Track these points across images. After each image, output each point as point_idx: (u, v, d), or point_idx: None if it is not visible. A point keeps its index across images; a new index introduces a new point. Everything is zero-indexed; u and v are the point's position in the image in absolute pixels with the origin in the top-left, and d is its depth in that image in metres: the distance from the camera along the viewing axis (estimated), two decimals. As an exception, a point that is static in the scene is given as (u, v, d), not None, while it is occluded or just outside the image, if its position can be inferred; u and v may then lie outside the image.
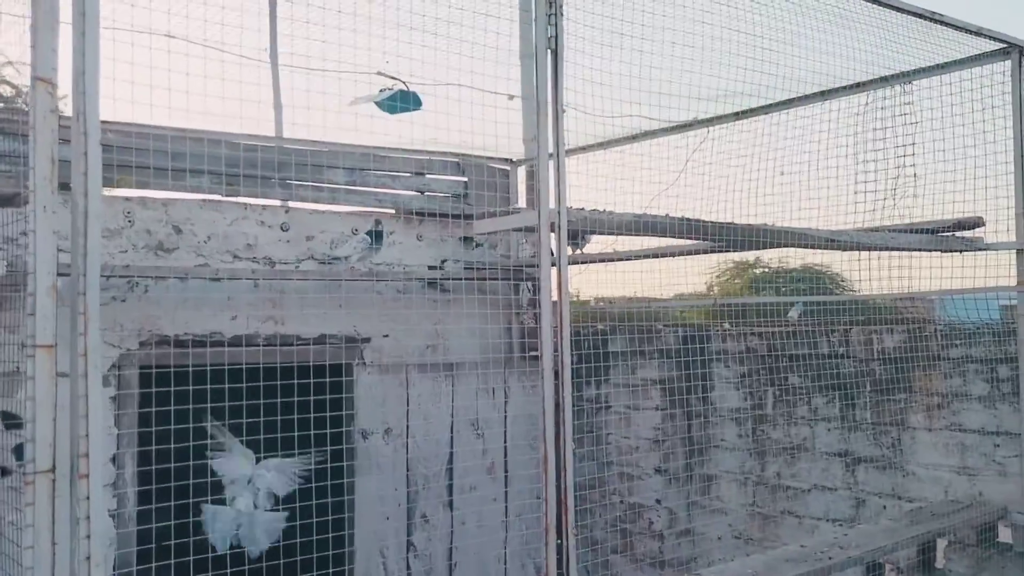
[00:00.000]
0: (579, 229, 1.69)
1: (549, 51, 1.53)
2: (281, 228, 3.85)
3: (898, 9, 2.43)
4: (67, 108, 1.29)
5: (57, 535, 1.14)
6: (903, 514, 2.75)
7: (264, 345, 3.69)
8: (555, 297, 1.52)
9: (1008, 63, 2.82)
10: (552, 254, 1.53)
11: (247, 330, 3.73)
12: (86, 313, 1.13)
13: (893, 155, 3.05)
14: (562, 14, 1.55)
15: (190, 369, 2.93)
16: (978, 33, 2.65)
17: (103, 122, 3.06)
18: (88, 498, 1.13)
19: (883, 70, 2.99)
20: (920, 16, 2.50)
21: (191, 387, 2.89)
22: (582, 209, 1.67)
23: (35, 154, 1.13)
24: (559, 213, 1.49)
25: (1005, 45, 2.77)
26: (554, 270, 1.53)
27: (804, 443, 3.26)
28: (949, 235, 2.73)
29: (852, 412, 3.12)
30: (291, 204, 3.89)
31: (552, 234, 1.50)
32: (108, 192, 3.41)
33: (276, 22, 4.15)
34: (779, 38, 2.57)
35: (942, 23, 2.54)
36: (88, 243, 1.14)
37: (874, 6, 2.39)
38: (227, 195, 3.69)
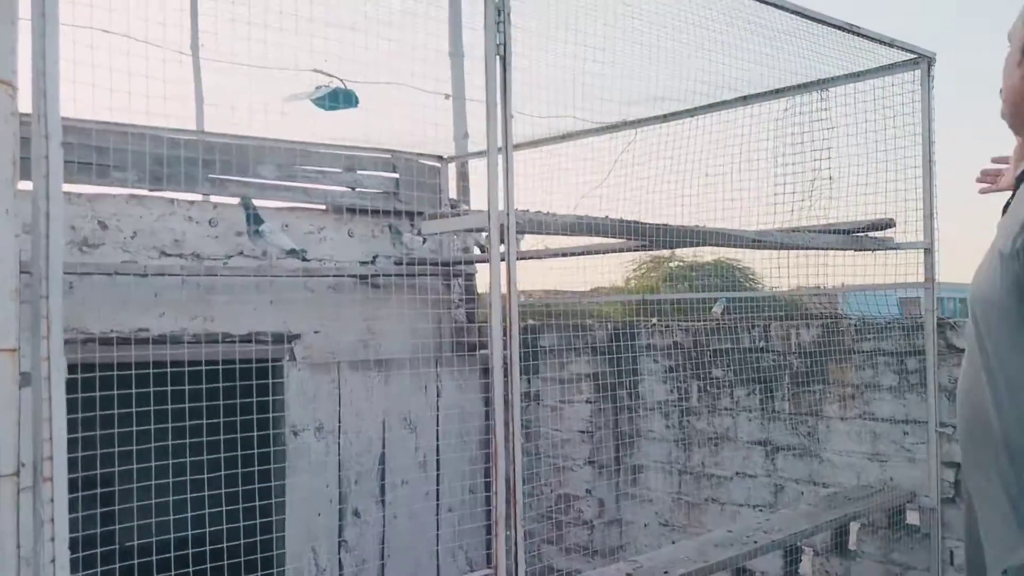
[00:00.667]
0: (524, 230, 1.74)
1: (498, 57, 1.58)
2: (209, 224, 3.80)
3: (819, 21, 2.56)
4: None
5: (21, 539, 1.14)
6: (819, 499, 2.90)
7: (192, 342, 3.64)
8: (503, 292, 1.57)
9: (918, 72, 3.00)
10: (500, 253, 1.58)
11: (175, 327, 3.68)
12: (48, 316, 1.14)
13: (810, 158, 3.21)
14: (510, 22, 1.61)
15: (114, 367, 2.88)
16: (891, 44, 2.81)
17: (23, 115, 2.99)
18: (52, 500, 1.14)
19: (802, 78, 3.14)
20: (839, 28, 2.64)
21: (115, 387, 2.84)
22: (527, 211, 1.73)
23: (-8, 156, 1.13)
24: (507, 215, 1.55)
25: (915, 56, 2.94)
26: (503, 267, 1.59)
27: (727, 433, 3.40)
28: (863, 235, 2.89)
29: (771, 403, 3.27)
30: (220, 199, 3.85)
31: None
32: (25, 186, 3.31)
33: (197, 18, 4.08)
34: (705, 46, 2.68)
35: (858, 34, 2.69)
36: (50, 246, 1.14)
37: (797, 17, 2.51)
38: (152, 191, 3.62)
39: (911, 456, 2.79)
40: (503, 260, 1.58)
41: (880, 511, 2.89)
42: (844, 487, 3.03)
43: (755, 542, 2.37)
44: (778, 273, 3.49)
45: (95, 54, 2.78)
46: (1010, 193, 1.78)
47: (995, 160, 1.93)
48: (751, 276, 6.05)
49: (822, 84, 3.17)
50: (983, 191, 1.91)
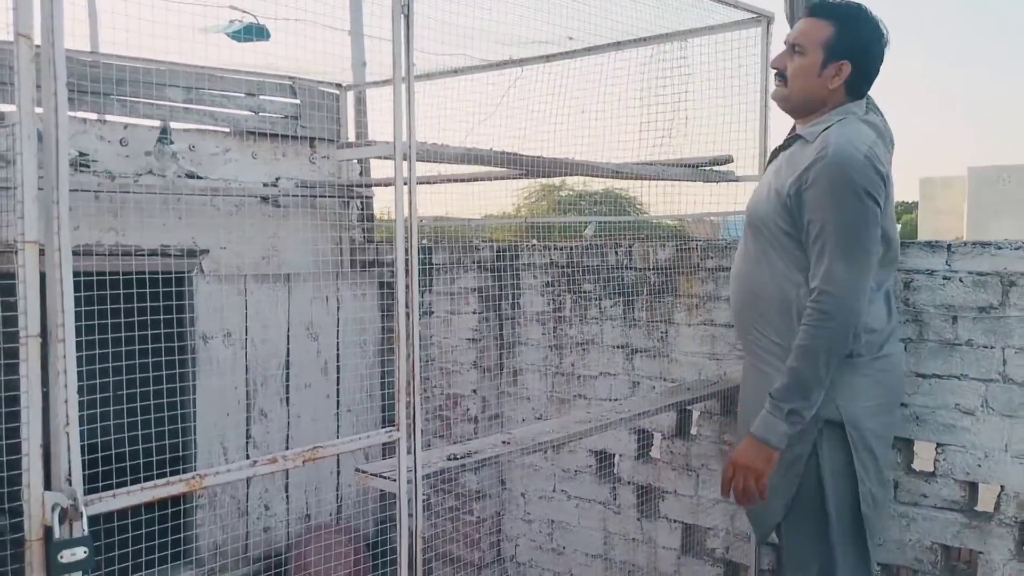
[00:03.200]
0: (422, 159, 2.14)
1: (403, 16, 1.96)
2: (120, 143, 4.01)
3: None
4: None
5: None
6: (665, 390, 3.47)
7: (107, 255, 3.89)
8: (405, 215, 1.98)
9: (759, 29, 3.51)
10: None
11: (88, 240, 3.90)
12: (59, 217, 1.49)
13: (670, 101, 3.70)
14: (413, -14, 1.98)
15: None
16: (735, 5, 3.30)
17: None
18: (64, 356, 1.51)
19: (665, 30, 3.61)
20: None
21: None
22: (425, 143, 2.13)
23: (20, 95, 1.46)
24: (410, 146, 1.95)
25: (757, 15, 3.44)
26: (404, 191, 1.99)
27: (594, 339, 3.93)
28: (708, 169, 3.42)
29: (632, 312, 3.80)
30: (130, 120, 4.05)
31: (404, 162, 1.96)
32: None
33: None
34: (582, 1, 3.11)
35: (709, -3, 3.17)
36: (59, 163, 1.49)
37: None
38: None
39: (741, 355, 3.36)
40: (405, 184, 1.98)
41: (715, 399, 3.47)
42: (686, 381, 3.60)
43: (608, 420, 2.90)
44: (649, 201, 4.05)
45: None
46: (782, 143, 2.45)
47: None
48: (638, 205, 6.65)
49: (682, 35, 3.65)
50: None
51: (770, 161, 2.62)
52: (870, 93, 2.51)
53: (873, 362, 2.43)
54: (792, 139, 2.49)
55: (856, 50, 2.36)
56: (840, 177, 2.20)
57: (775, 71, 2.51)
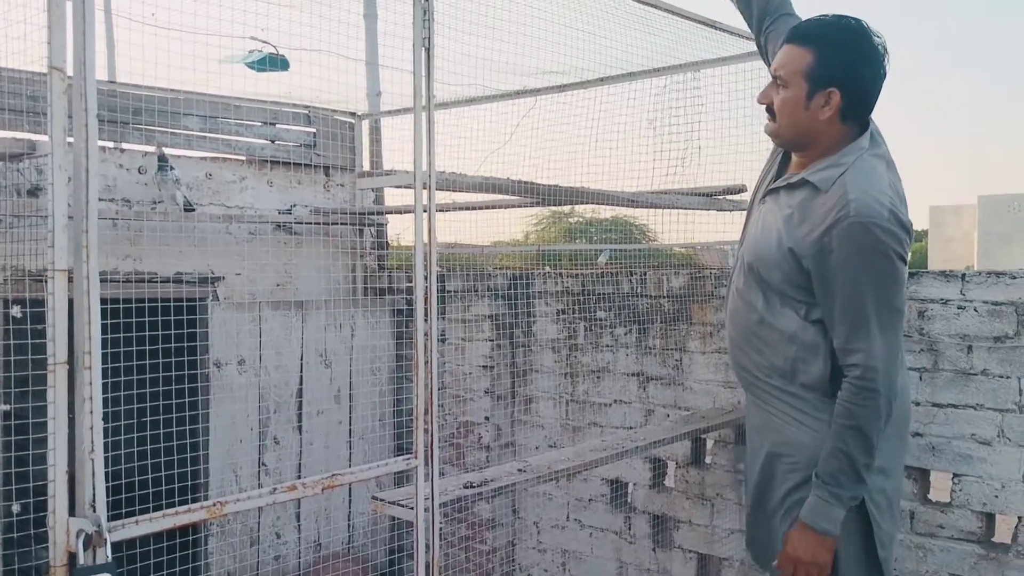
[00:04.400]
0: (441, 187, 2.16)
1: (424, 49, 1.99)
2: (139, 171, 4.06)
3: (688, 18, 3.06)
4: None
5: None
6: (680, 418, 3.47)
7: (123, 281, 3.92)
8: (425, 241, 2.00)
9: (771, 60, 3.53)
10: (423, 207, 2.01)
11: (105, 266, 3.94)
12: (87, 246, 1.51)
13: (683, 130, 3.72)
14: (434, 19, 2.02)
15: (48, 303, 3.16)
16: (748, 37, 3.33)
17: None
18: (91, 383, 1.52)
19: (677, 61, 3.64)
20: (707, 25, 3.14)
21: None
22: (444, 172, 2.16)
23: (52, 125, 1.49)
24: (430, 175, 1.97)
25: (769, 46, 3.47)
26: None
27: (607, 366, 3.93)
28: (721, 198, 3.43)
29: (645, 340, 3.81)
30: (148, 148, 4.10)
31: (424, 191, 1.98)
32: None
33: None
34: (594, 33, 3.15)
35: (723, 30, 3.20)
36: (89, 193, 1.51)
37: (672, 16, 3.01)
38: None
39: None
40: (425, 212, 2.01)
41: (730, 428, 3.47)
42: (701, 409, 3.60)
43: (624, 448, 2.89)
44: (661, 229, 4.08)
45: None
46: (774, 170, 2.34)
47: None
48: (647, 232, 6.68)
49: (694, 66, 3.68)
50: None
51: (765, 194, 2.37)
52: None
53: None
54: (799, 182, 2.22)
55: (843, 75, 2.11)
56: (868, 241, 2.02)
57: (764, 106, 2.29)
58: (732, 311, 2.44)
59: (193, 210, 4.12)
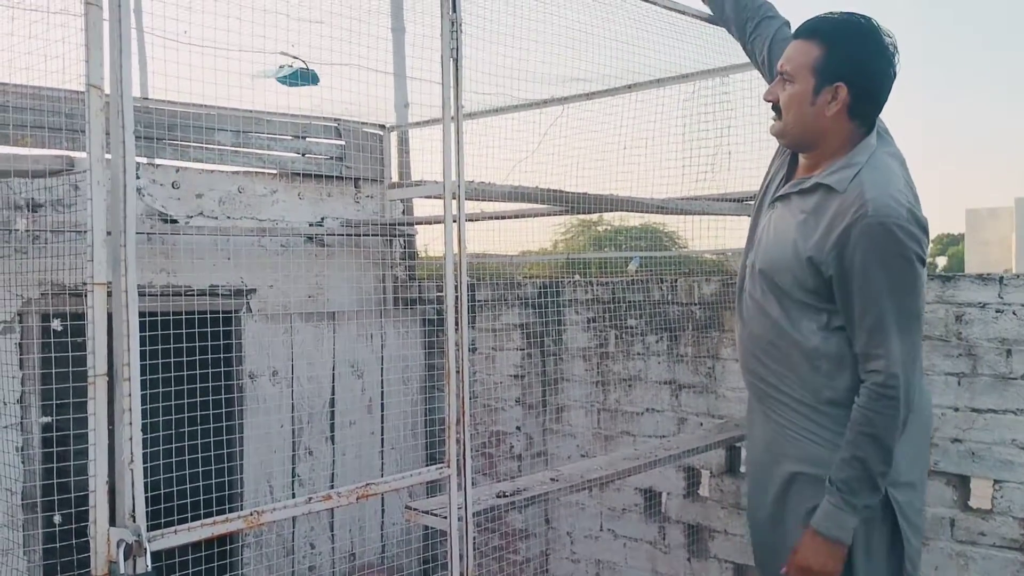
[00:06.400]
0: (470, 197, 2.17)
1: (452, 60, 2.00)
2: (172, 186, 4.12)
3: (716, 24, 3.05)
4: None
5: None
6: (713, 426, 3.44)
7: (159, 295, 3.98)
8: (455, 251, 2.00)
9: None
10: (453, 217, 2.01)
11: (141, 280, 3.99)
12: (126, 260, 1.53)
13: (713, 135, 3.71)
14: (462, 30, 2.03)
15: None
16: (776, 42, 3.31)
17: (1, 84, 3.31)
18: (130, 395, 1.55)
19: (705, 66, 3.63)
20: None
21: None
22: (472, 181, 2.17)
23: (90, 142, 1.52)
24: (459, 185, 1.98)
25: (799, 50, 3.45)
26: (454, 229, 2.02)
27: (639, 374, 3.91)
28: (751, 203, 3.40)
29: (677, 347, 3.79)
30: (182, 164, 4.16)
31: (453, 200, 1.99)
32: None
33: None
34: (622, 40, 3.15)
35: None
36: (127, 208, 1.53)
37: (698, 22, 3.00)
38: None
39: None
40: (455, 222, 2.01)
41: (763, 436, 3.42)
42: (735, 417, 3.56)
43: (657, 456, 2.88)
44: (690, 235, 4.06)
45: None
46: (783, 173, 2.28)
47: None
48: (676, 239, 6.65)
49: (723, 72, 3.66)
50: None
51: (774, 199, 2.29)
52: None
53: (909, 426, 2.18)
54: (812, 187, 2.15)
55: (851, 69, 2.06)
56: (887, 242, 1.98)
57: (769, 103, 2.24)
58: (747, 318, 2.34)
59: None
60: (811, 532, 2.11)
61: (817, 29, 2.12)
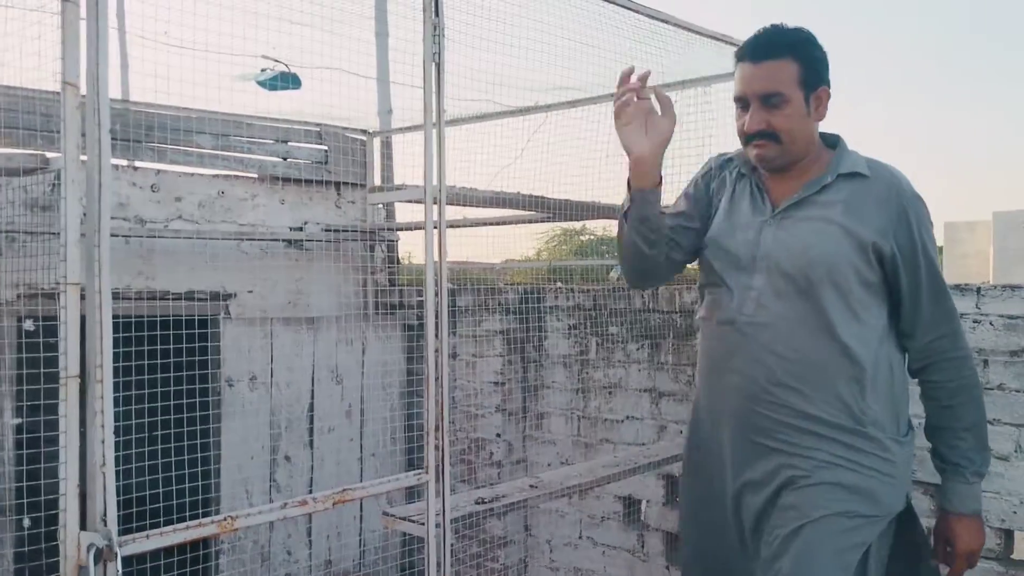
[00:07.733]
0: (451, 202, 2.16)
1: (434, 64, 1.99)
2: (151, 189, 4.08)
3: (699, 33, 3.06)
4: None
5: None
6: (693, 434, 3.44)
7: (135, 299, 3.94)
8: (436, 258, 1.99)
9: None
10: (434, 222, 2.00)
11: (118, 284, 3.95)
12: (100, 260, 1.52)
13: (695, 143, 3.72)
14: (444, 35, 2.02)
15: (60, 317, 3.17)
16: (759, 52, 3.34)
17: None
18: (102, 396, 1.52)
19: (687, 76, 3.65)
20: (717, 39, 3.15)
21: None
22: (454, 186, 2.16)
23: (65, 140, 1.50)
24: (440, 190, 1.97)
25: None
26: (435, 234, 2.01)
27: (620, 382, 3.91)
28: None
29: (657, 355, 3.79)
30: (161, 167, 4.13)
31: (434, 206, 1.98)
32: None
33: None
34: (605, 48, 3.16)
35: (732, 44, 3.20)
36: (101, 208, 1.52)
37: (682, 31, 3.02)
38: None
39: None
40: (436, 228, 2.00)
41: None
42: (714, 425, 3.56)
43: (636, 463, 2.87)
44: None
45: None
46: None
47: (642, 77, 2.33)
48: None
49: (705, 81, 3.68)
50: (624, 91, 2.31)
51: (774, 216, 2.15)
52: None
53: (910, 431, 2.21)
54: (834, 181, 2.10)
55: (823, 70, 2.12)
56: (927, 214, 2.09)
57: (755, 133, 2.11)
58: (766, 342, 2.08)
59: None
60: (957, 517, 2.18)
61: (779, 44, 2.09)
